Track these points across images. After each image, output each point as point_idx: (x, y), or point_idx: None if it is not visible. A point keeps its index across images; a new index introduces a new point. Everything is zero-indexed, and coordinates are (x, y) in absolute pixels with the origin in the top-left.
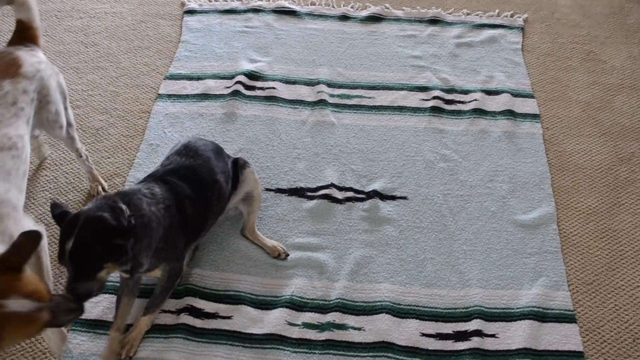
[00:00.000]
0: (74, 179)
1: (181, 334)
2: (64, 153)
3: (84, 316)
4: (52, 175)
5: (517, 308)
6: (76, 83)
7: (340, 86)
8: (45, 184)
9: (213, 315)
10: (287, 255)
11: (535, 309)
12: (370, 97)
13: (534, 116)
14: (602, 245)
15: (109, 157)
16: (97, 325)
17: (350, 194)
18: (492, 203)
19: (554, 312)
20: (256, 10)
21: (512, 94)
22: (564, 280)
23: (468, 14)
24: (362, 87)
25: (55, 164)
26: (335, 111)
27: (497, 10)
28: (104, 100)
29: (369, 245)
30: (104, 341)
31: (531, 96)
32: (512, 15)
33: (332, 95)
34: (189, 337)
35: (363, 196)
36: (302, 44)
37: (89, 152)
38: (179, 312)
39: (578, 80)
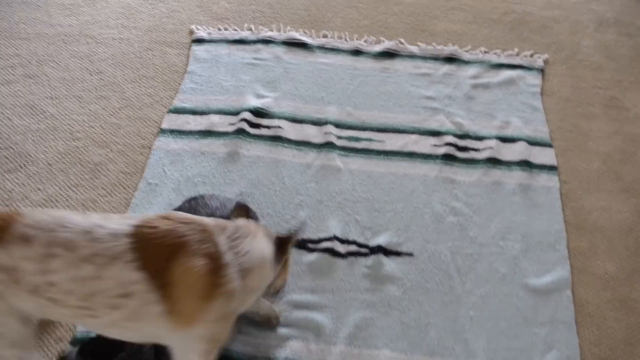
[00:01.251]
0: None
1: None
2: None
3: None
4: None
5: None
6: (78, 113)
7: (349, 127)
8: None
9: None
10: (279, 322)
11: None
12: (379, 141)
13: (551, 168)
14: (620, 316)
15: (106, 196)
16: None
17: (353, 247)
18: (503, 264)
19: None
20: (266, 42)
21: (528, 142)
22: (577, 355)
23: (485, 52)
24: (372, 129)
25: None
26: (342, 155)
27: (516, 49)
28: (105, 132)
29: (369, 306)
30: None
31: (549, 145)
32: (531, 55)
33: (340, 137)
34: None
35: (367, 251)
36: (312, 79)
37: (86, 188)
38: None
39: (599, 129)
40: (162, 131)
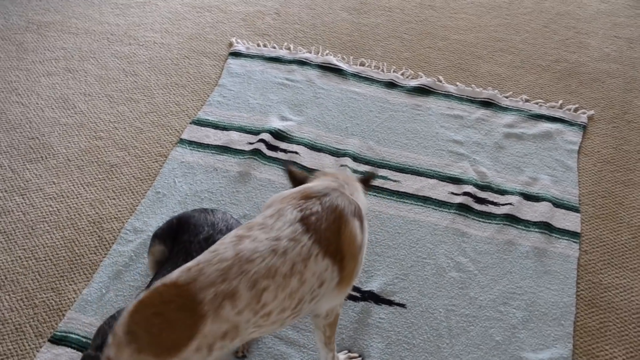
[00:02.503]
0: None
1: None
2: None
3: None
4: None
5: None
6: (106, 112)
7: (367, 162)
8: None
9: None
10: (245, 357)
11: None
12: (395, 181)
13: (574, 234)
14: None
15: (114, 199)
16: None
17: None
18: (499, 331)
19: None
20: (302, 63)
21: (553, 204)
22: None
23: (527, 101)
24: (390, 167)
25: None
26: None
27: (560, 102)
28: (127, 135)
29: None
30: None
31: (576, 210)
32: (576, 110)
33: (355, 171)
34: None
35: (357, 295)
36: (340, 107)
37: (97, 189)
38: None
39: (636, 199)
40: (181, 141)
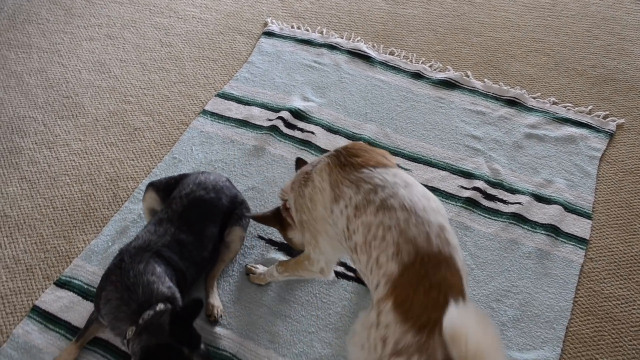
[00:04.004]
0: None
1: (107, 352)
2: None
3: (42, 306)
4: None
5: None
6: (137, 79)
7: (381, 148)
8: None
9: None
10: (217, 322)
11: None
12: (406, 169)
13: (581, 241)
14: None
15: (133, 160)
16: (51, 320)
17: (340, 268)
18: None
19: None
20: (332, 47)
21: (565, 208)
22: None
23: (554, 103)
24: (403, 156)
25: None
26: None
27: (589, 107)
28: (154, 102)
29: (332, 329)
30: (52, 337)
31: (588, 216)
32: (605, 117)
33: None
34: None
35: (352, 275)
36: (362, 93)
37: (119, 149)
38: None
39: None
40: (204, 112)
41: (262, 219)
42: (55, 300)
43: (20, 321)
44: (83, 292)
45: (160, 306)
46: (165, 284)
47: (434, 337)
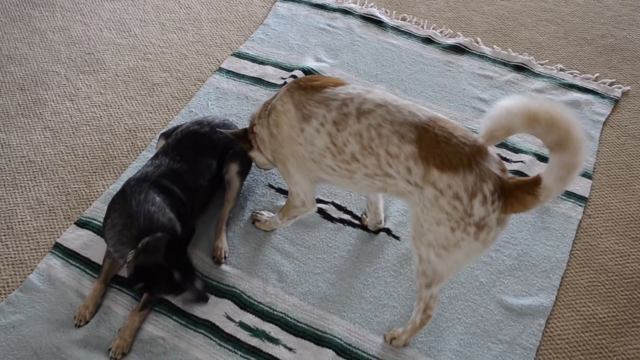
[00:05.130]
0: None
1: (129, 289)
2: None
3: (64, 243)
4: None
5: None
6: (157, 38)
7: None
8: None
9: None
10: (220, 263)
11: None
12: None
13: (580, 198)
14: None
15: (151, 112)
16: (72, 256)
17: (346, 216)
18: (485, 274)
19: None
20: (345, 12)
21: None
22: None
23: (561, 70)
24: None
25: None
26: None
27: (596, 75)
28: (172, 60)
29: (337, 271)
30: (73, 272)
31: (588, 176)
32: (611, 84)
33: None
34: (136, 294)
35: (357, 222)
36: (374, 56)
37: (137, 102)
38: None
39: None
40: (220, 70)
41: (233, 134)
42: (76, 239)
43: (44, 257)
44: (101, 232)
45: (159, 234)
46: (165, 215)
47: (480, 163)
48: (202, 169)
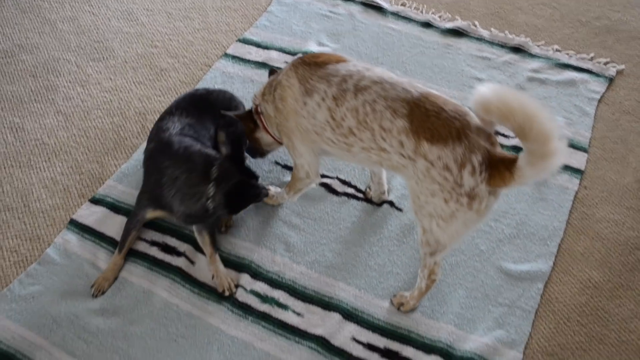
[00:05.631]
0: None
1: (144, 261)
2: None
3: (79, 219)
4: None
5: (460, 350)
6: (164, 26)
7: None
8: None
9: (178, 253)
10: (226, 232)
11: (477, 357)
12: None
13: (576, 171)
14: (586, 322)
15: (159, 96)
16: (87, 231)
17: (350, 190)
18: (485, 242)
19: None
20: None
21: None
22: (522, 341)
23: (557, 51)
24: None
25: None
26: None
27: (591, 54)
28: (179, 46)
29: (342, 242)
30: (89, 246)
31: (584, 150)
32: (606, 63)
33: None
34: (150, 265)
35: (361, 196)
36: (375, 40)
37: (146, 87)
38: (152, 243)
39: None
40: (226, 55)
41: (237, 116)
42: (90, 215)
43: (60, 232)
44: (115, 208)
45: (220, 160)
46: (208, 148)
47: (469, 135)
48: (205, 123)
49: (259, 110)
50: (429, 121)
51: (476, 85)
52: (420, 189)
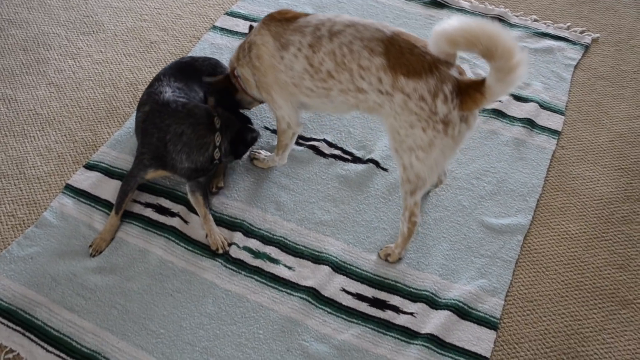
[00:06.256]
0: None
1: (139, 222)
2: None
3: (74, 184)
4: None
5: (444, 297)
6: (152, 0)
7: None
8: None
9: (172, 214)
10: (217, 193)
11: (460, 304)
12: None
13: (554, 132)
14: (563, 270)
15: (150, 67)
16: (82, 195)
17: (337, 152)
18: (467, 198)
19: (478, 314)
20: None
21: (540, 105)
22: (504, 289)
23: (535, 21)
24: None
25: None
26: None
27: (568, 24)
28: (168, 20)
29: (331, 200)
30: (84, 208)
31: (561, 112)
32: (582, 32)
33: None
34: (146, 226)
35: (349, 158)
36: (359, 12)
37: (137, 59)
38: (146, 205)
39: (622, 110)
40: (214, 28)
41: (216, 82)
42: (85, 180)
43: (56, 196)
44: (109, 172)
45: (217, 112)
46: (202, 103)
47: (440, 68)
48: (193, 87)
49: (235, 74)
50: (404, 57)
51: (459, 54)
52: (400, 124)
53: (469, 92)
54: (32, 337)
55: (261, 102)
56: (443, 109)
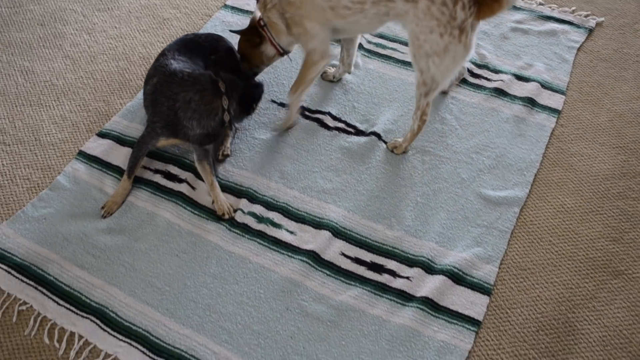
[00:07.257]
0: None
1: (148, 187)
2: None
3: (87, 151)
4: None
5: (440, 263)
6: None
7: (381, 36)
8: None
9: (179, 180)
10: (224, 160)
11: (455, 269)
12: (403, 53)
13: (554, 110)
14: (557, 242)
15: (163, 43)
16: (94, 161)
17: (341, 125)
18: (466, 171)
19: (473, 279)
20: None
21: (542, 85)
22: (498, 257)
23: (541, 4)
24: (401, 42)
25: None
26: (365, 55)
27: (573, 8)
28: None
29: (333, 170)
30: (96, 173)
31: (561, 92)
32: (586, 16)
33: (369, 42)
34: (154, 190)
35: (351, 130)
36: None
37: (149, 34)
38: (156, 171)
39: (622, 92)
40: (225, 6)
41: (242, 31)
42: (98, 147)
43: (69, 162)
44: (120, 140)
45: (224, 76)
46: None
47: None
48: (195, 62)
49: (261, 23)
50: None
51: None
52: (420, 29)
53: (486, 1)
54: (44, 291)
55: (281, 54)
56: (461, 15)
